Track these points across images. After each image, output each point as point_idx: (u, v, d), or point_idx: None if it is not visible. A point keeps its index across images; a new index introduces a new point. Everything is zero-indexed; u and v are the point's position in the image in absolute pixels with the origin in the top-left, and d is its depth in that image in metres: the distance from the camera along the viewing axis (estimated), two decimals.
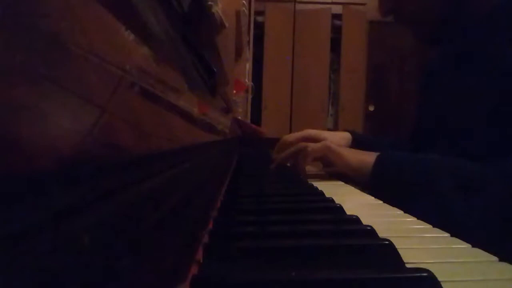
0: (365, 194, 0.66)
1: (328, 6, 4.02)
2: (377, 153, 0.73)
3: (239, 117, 1.66)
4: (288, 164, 0.95)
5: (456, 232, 0.39)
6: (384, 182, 0.70)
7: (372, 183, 0.71)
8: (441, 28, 0.85)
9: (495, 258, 0.33)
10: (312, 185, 0.69)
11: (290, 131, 3.87)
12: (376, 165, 0.72)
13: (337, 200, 0.51)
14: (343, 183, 0.80)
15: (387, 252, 0.30)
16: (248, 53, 2.51)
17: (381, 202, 0.58)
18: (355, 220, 0.40)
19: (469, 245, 0.36)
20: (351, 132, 1.02)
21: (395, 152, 0.77)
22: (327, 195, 0.56)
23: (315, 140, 0.91)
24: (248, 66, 2.50)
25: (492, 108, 0.68)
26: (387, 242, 0.31)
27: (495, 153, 0.65)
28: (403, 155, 0.73)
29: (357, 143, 0.99)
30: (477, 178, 0.62)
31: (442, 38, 0.86)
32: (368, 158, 0.74)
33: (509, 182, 0.60)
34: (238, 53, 1.70)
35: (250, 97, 2.70)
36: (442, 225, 0.42)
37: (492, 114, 0.68)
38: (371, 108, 4.12)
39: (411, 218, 0.48)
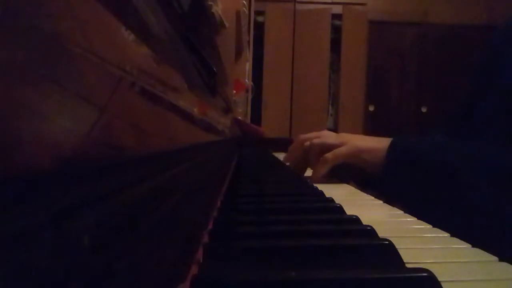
0: (365, 194, 0.66)
1: (328, 6, 4.01)
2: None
3: (239, 117, 1.66)
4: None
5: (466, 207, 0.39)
6: (400, 159, 0.70)
7: (387, 162, 0.72)
8: None
9: (495, 258, 0.33)
10: (312, 185, 0.69)
11: (290, 131, 3.87)
12: (390, 147, 0.72)
13: (337, 200, 0.51)
14: (343, 183, 0.79)
15: (387, 252, 0.30)
16: (248, 53, 2.51)
17: (381, 202, 0.58)
18: (355, 220, 0.40)
19: (469, 245, 0.36)
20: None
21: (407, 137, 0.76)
22: (327, 195, 0.56)
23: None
24: (248, 66, 2.50)
25: None
26: (387, 242, 0.31)
27: None
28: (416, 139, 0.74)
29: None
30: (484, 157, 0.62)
31: None
32: (380, 143, 0.74)
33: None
34: (238, 53, 1.70)
35: (250, 97, 2.70)
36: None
37: None
38: (371, 108, 4.12)
39: (411, 218, 0.48)
